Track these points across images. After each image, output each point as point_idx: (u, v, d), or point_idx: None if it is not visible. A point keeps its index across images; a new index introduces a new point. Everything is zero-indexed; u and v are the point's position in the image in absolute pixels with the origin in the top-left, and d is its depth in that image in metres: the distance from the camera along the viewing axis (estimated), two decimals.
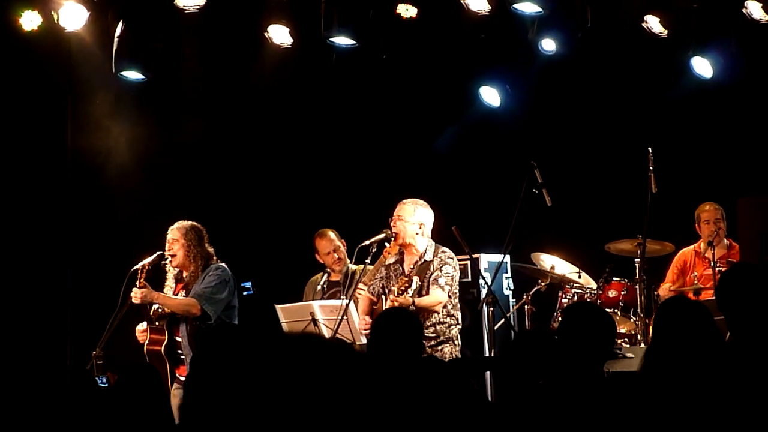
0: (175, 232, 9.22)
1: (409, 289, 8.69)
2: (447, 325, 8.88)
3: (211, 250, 9.24)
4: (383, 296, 9.04)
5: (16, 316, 11.12)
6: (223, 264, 9.23)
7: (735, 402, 4.87)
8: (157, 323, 9.12)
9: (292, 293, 10.31)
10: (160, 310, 9.10)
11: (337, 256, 10.22)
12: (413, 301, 8.74)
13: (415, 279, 8.76)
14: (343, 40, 10.10)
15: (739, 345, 5.23)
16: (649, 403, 4.99)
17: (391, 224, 9.06)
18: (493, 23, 10.39)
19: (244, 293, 8.77)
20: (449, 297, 8.91)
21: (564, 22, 10.14)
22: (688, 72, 10.60)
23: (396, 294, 8.72)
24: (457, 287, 9.06)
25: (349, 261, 10.10)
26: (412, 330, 6.02)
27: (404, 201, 9.12)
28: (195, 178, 11.87)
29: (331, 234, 10.30)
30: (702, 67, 10.45)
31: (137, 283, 8.94)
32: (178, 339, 9.05)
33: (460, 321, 9.03)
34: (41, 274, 11.44)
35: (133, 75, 10.34)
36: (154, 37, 10.16)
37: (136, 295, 8.92)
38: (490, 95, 11.34)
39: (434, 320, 8.86)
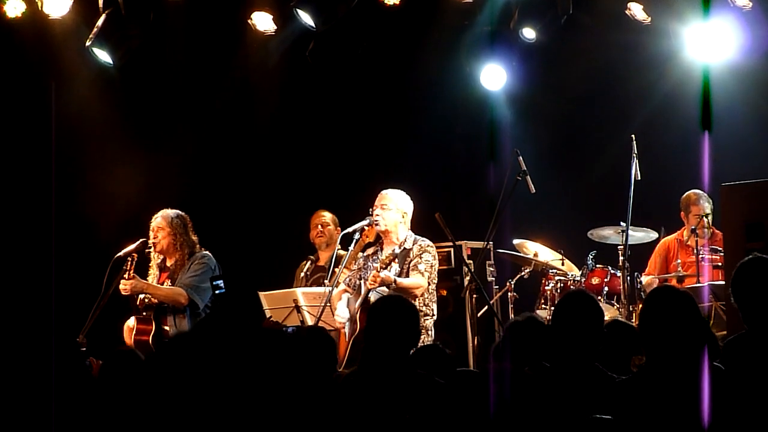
0: (160, 220, 9.24)
1: (391, 268, 8.71)
2: (422, 314, 8.82)
3: (195, 238, 9.28)
4: (361, 286, 9.01)
5: None
6: (208, 252, 9.26)
7: (732, 391, 4.87)
8: (144, 313, 9.12)
9: (281, 281, 10.33)
10: (146, 300, 9.10)
11: (321, 230, 10.30)
12: (395, 280, 8.75)
13: (396, 265, 8.77)
14: (306, 18, 10.08)
15: (755, 336, 5.22)
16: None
17: (373, 213, 9.08)
18: (475, 10, 10.40)
19: (216, 291, 8.83)
20: (428, 284, 8.93)
21: (546, 9, 10.14)
22: (669, 58, 10.61)
23: (379, 269, 8.72)
24: (436, 277, 9.08)
25: (339, 246, 10.11)
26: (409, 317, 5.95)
27: (386, 190, 9.15)
28: (179, 166, 11.84)
29: (325, 214, 10.43)
30: (692, 49, 10.36)
31: (126, 274, 8.94)
32: (166, 328, 9.06)
33: (435, 313, 9.03)
34: (25, 262, 11.40)
35: (102, 55, 10.27)
36: (132, 24, 10.09)
37: (126, 286, 8.94)
38: (492, 79, 11.05)
39: None
